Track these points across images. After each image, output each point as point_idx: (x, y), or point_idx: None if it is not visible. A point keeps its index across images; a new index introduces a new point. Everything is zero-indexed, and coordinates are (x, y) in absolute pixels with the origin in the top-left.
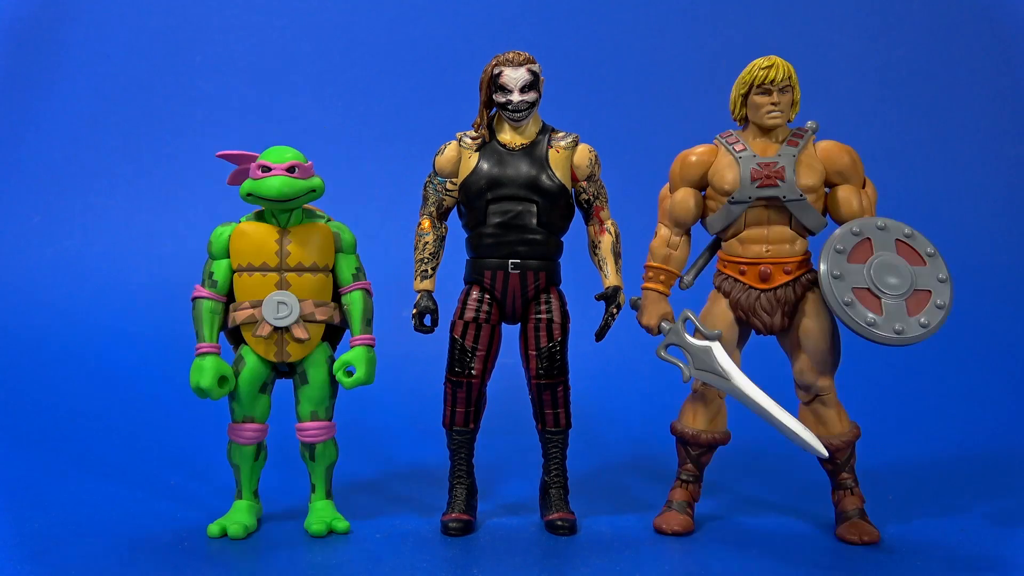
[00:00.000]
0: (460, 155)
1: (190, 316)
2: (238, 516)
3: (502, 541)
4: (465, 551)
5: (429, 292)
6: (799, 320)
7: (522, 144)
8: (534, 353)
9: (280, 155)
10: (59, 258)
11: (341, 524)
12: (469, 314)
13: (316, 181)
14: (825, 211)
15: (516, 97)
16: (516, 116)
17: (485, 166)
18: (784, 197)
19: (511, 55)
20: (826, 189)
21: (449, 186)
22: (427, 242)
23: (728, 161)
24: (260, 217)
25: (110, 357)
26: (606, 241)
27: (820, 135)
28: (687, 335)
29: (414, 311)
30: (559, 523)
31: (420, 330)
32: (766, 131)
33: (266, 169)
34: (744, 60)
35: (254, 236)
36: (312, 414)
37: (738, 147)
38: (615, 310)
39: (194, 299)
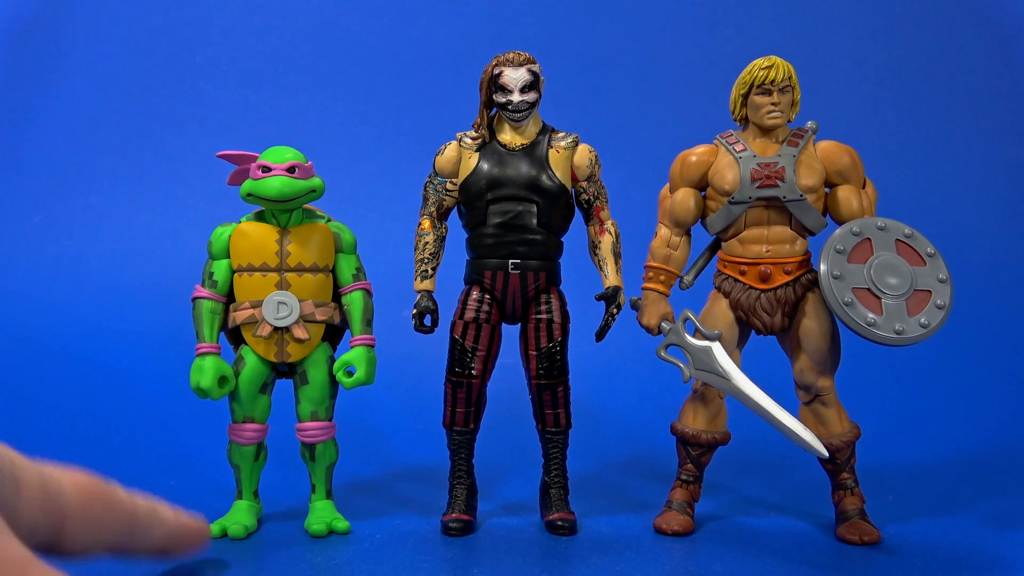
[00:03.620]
0: (460, 155)
1: (190, 316)
2: (238, 516)
3: (502, 541)
4: (465, 551)
5: (429, 292)
6: (799, 320)
7: (522, 144)
8: (534, 353)
9: (280, 155)
10: (59, 258)
11: (341, 524)
12: (469, 314)
13: (316, 181)
14: (825, 211)
15: (516, 97)
16: (516, 116)
17: (485, 166)
18: (784, 197)
19: (511, 55)
20: (826, 189)
21: (449, 186)
22: (427, 242)
23: (728, 161)
24: (260, 217)
25: (110, 357)
26: (606, 241)
27: (820, 135)
28: (687, 335)
29: (414, 311)
30: (559, 523)
31: (420, 330)
32: (766, 131)
33: (266, 169)
34: (744, 60)
35: (254, 236)
36: (312, 414)
37: (738, 147)
38: (615, 310)
39: (194, 299)
